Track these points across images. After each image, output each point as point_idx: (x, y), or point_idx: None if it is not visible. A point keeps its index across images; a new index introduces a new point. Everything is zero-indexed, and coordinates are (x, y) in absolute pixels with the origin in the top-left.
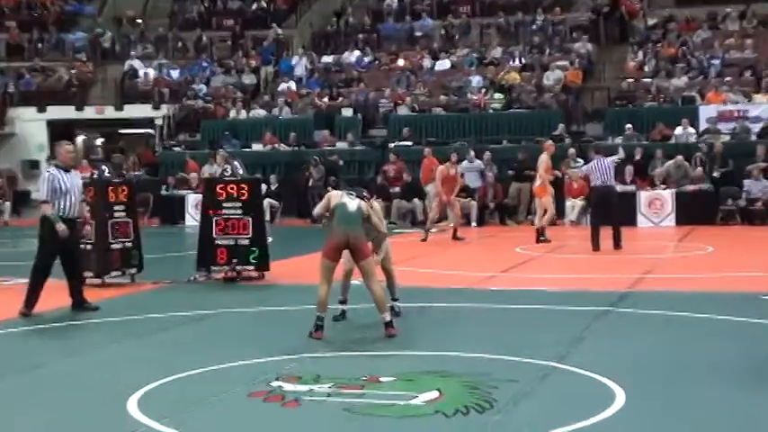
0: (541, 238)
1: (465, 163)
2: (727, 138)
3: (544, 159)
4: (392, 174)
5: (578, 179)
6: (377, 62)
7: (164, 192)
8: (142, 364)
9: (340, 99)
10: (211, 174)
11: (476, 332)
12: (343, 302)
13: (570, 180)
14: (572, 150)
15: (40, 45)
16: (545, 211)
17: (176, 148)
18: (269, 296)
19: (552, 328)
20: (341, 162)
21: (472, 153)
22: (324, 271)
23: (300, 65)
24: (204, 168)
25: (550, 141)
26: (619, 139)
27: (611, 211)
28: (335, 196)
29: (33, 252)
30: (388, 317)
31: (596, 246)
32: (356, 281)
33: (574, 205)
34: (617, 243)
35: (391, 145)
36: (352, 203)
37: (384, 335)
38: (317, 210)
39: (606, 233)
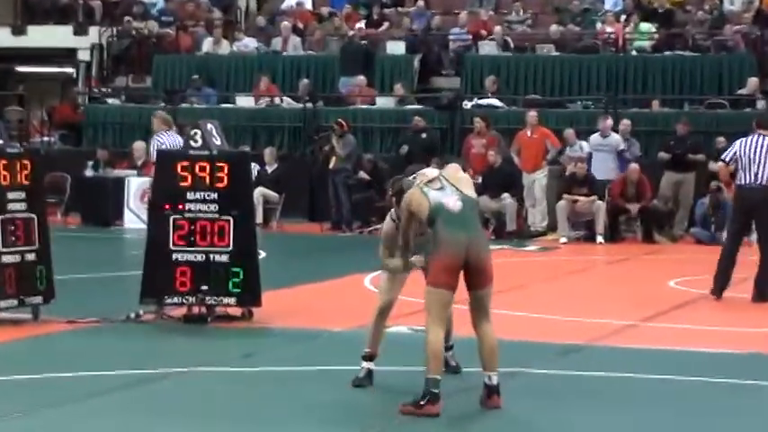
0: None
1: (594, 138)
2: None
3: None
4: (481, 152)
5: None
6: None
7: (89, 172)
8: None
9: (384, 26)
10: (170, 144)
11: (603, 420)
12: (370, 358)
13: None
14: None
15: None
16: None
17: (111, 100)
18: (260, 348)
19: (731, 416)
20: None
21: (608, 121)
22: (436, 307)
23: None
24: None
25: None
26: None
27: (761, 227)
28: (416, 200)
29: None
30: (495, 379)
31: (716, 288)
32: (395, 326)
33: None
34: (760, 291)
35: (467, 104)
36: (451, 197)
37: (484, 404)
38: (392, 262)
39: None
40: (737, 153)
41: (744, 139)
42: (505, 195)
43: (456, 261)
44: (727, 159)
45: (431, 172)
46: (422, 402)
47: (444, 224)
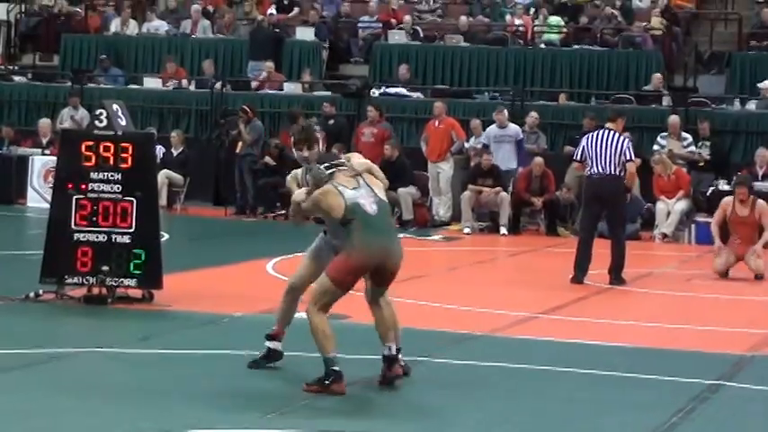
0: None
1: (492, 129)
2: None
3: None
4: (370, 140)
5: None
6: None
7: None
8: None
9: (294, 12)
10: (75, 122)
11: (495, 408)
12: (273, 337)
13: (657, 170)
14: (674, 118)
15: None
16: None
17: (18, 78)
18: (160, 330)
19: (622, 409)
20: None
21: (505, 112)
22: (326, 301)
23: None
24: (63, 114)
25: None
26: (752, 105)
27: (611, 217)
28: (331, 201)
29: None
30: (394, 349)
31: (576, 274)
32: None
33: (668, 209)
34: (615, 273)
35: (375, 92)
36: (367, 199)
37: (385, 377)
38: (301, 199)
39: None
40: (585, 149)
41: (590, 134)
42: (403, 189)
43: (368, 267)
44: (579, 158)
45: (349, 169)
46: (327, 382)
47: (362, 227)
